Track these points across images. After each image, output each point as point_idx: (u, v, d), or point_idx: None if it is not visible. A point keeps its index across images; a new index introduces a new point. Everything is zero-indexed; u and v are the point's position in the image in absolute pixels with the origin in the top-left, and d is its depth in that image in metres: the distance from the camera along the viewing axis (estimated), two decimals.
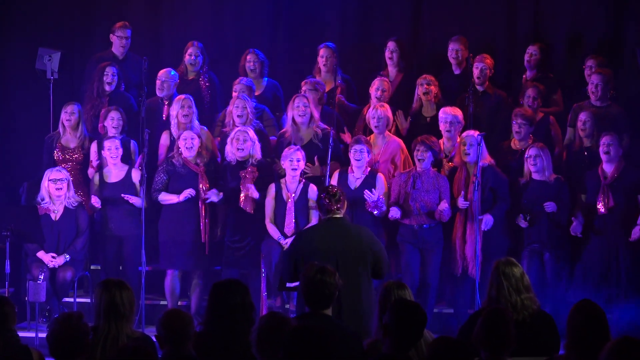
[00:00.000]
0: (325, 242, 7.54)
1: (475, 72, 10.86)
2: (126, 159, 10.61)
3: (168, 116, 10.91)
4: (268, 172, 10.30)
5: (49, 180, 10.22)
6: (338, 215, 7.70)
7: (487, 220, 9.85)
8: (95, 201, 10.29)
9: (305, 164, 10.16)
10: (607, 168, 9.94)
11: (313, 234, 7.73)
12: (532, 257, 9.94)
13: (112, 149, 10.40)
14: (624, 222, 9.89)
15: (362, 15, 12.41)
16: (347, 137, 10.65)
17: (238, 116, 10.51)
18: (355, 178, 10.03)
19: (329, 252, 7.46)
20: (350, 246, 7.54)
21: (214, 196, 10.16)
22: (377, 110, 10.39)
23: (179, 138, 10.34)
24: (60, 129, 10.82)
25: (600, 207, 9.84)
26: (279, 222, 9.98)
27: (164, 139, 10.77)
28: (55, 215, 10.27)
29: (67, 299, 10.39)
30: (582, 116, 10.27)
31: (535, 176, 9.98)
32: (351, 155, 10.02)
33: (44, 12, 12.24)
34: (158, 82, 11.10)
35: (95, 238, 10.66)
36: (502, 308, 5.88)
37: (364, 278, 7.55)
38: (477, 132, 9.91)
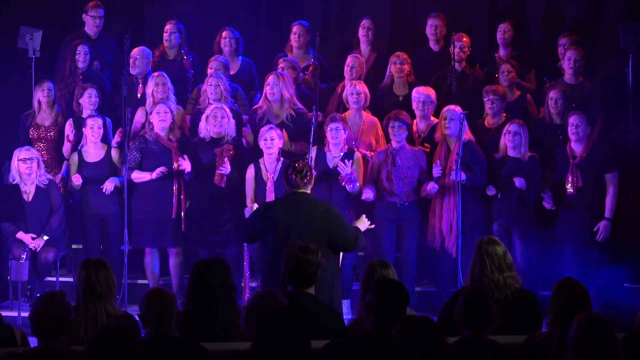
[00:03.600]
0: (281, 216, 7.51)
1: (455, 51, 10.86)
2: (103, 137, 10.55)
3: (143, 94, 10.88)
4: (242, 150, 10.28)
5: (19, 160, 10.14)
6: (303, 190, 7.65)
7: (457, 172, 9.68)
8: (77, 179, 10.23)
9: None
10: (576, 147, 9.99)
11: (274, 207, 7.68)
12: (500, 232, 9.96)
13: (94, 128, 10.33)
14: (593, 199, 9.97)
15: None
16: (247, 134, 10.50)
17: (212, 93, 10.49)
18: (333, 156, 10.00)
19: (282, 226, 7.46)
20: (304, 222, 7.47)
21: (187, 165, 10.06)
22: (355, 87, 10.39)
23: (151, 113, 10.28)
24: (36, 106, 10.77)
25: (569, 187, 9.90)
26: (260, 202, 9.94)
27: (139, 116, 10.72)
28: (28, 196, 10.20)
29: (49, 278, 10.38)
30: (553, 94, 10.31)
31: (510, 152, 9.99)
32: (327, 134, 9.99)
33: None
34: (131, 60, 11.05)
35: (76, 218, 10.63)
36: (482, 286, 5.90)
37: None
38: (460, 110, 9.91)
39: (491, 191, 9.96)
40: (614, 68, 11.03)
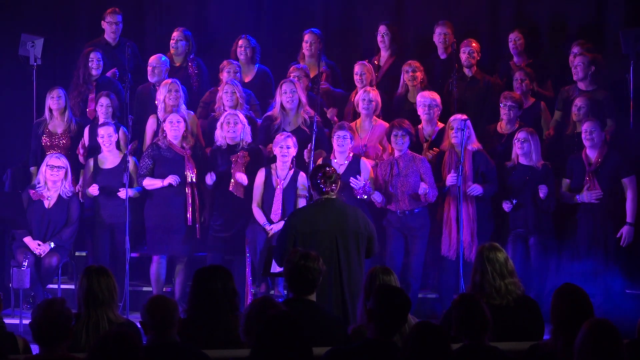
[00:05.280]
0: (325, 221, 7.55)
1: (463, 56, 10.90)
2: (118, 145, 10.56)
3: None
4: (258, 156, 10.29)
5: (47, 165, 10.19)
6: (333, 196, 7.70)
7: (475, 187, 9.82)
8: (93, 189, 10.23)
9: (304, 150, 10.14)
10: (591, 154, 9.97)
11: (311, 213, 7.69)
12: (516, 241, 9.95)
13: (104, 136, 10.35)
14: (610, 205, 9.94)
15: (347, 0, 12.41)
16: (330, 112, 10.64)
17: (228, 100, 10.50)
18: (339, 164, 10.02)
19: (330, 231, 7.50)
20: (349, 226, 7.56)
21: (208, 179, 10.10)
22: (368, 94, 10.42)
23: (164, 121, 10.30)
24: (47, 114, 10.76)
25: (590, 196, 9.85)
26: (266, 208, 9.96)
27: (151, 123, 10.74)
28: (49, 203, 10.23)
29: (51, 286, 10.37)
30: (578, 102, 10.28)
31: (522, 160, 9.99)
32: (334, 141, 10.02)
33: None
34: (149, 69, 11.09)
35: (85, 224, 10.62)
36: (470, 294, 5.91)
37: (361, 257, 7.62)
38: (466, 117, 9.91)
39: (508, 207, 9.92)
40: (615, 74, 11.02)
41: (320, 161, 10.02)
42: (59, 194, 10.25)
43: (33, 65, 11.24)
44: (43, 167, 10.23)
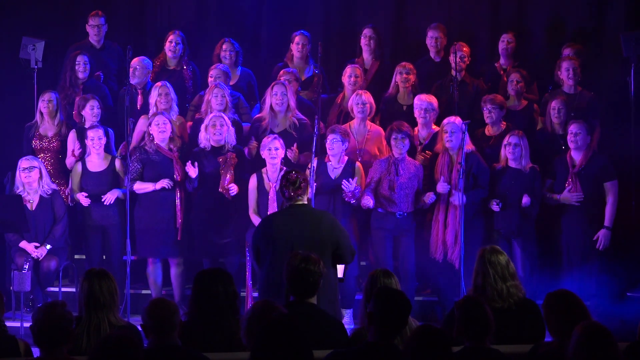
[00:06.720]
0: (283, 229, 7.49)
1: (455, 60, 10.88)
2: (106, 148, 10.55)
3: (143, 105, 10.88)
4: (243, 158, 10.28)
5: (19, 169, 10.17)
6: (300, 202, 7.64)
7: (459, 195, 9.76)
8: (83, 199, 10.23)
9: (286, 151, 10.14)
10: (576, 156, 10.00)
11: (273, 221, 7.65)
12: (501, 243, 9.92)
13: (95, 139, 10.34)
14: (592, 208, 9.96)
15: (345, 2, 12.41)
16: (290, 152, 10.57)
17: (218, 104, 10.50)
18: (333, 167, 10.03)
19: (286, 239, 7.44)
20: (308, 233, 7.46)
21: (193, 171, 10.04)
22: (361, 97, 10.41)
23: (150, 124, 10.28)
24: (38, 117, 10.76)
25: (571, 198, 9.88)
26: (263, 212, 9.94)
27: (142, 124, 10.69)
28: (32, 205, 10.20)
29: (52, 289, 10.37)
30: (555, 104, 10.32)
31: (511, 164, 9.99)
32: (326, 145, 10.02)
33: (27, 1, 12.18)
34: (131, 70, 11.03)
35: (78, 228, 10.61)
36: (474, 296, 5.92)
37: (325, 265, 7.49)
38: (460, 120, 9.90)
39: (496, 207, 9.92)
40: (615, 77, 11.03)
41: (315, 160, 10.01)
42: (40, 195, 10.24)
43: (34, 68, 11.24)
44: (18, 171, 10.22)
